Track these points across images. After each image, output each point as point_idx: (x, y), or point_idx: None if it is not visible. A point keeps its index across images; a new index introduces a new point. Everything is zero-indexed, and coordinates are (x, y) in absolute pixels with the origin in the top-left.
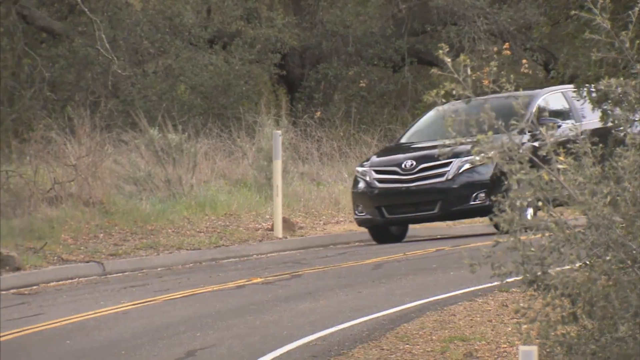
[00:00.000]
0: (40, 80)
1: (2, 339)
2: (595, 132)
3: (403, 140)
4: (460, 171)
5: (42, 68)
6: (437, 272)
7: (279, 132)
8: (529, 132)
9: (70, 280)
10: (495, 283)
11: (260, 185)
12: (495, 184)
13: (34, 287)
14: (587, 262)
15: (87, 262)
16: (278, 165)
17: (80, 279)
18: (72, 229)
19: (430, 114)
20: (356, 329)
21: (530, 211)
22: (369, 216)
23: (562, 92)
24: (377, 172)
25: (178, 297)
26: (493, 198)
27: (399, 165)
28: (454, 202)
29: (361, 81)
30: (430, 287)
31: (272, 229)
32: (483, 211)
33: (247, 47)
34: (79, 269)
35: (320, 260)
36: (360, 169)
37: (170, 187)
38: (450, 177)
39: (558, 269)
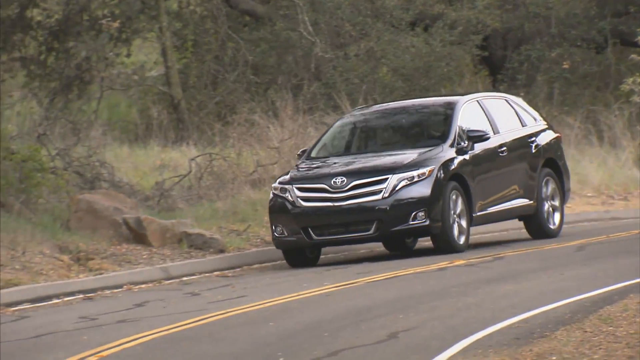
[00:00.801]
0: (243, 63)
1: (208, 320)
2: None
3: (314, 154)
4: (397, 188)
5: (245, 51)
6: None
7: None
8: (455, 145)
9: (272, 263)
10: None
11: None
12: (435, 201)
13: (237, 269)
14: None
15: None
16: None
17: (283, 261)
18: None
19: (337, 125)
20: (559, 311)
21: None
22: (292, 238)
23: (477, 100)
24: (301, 189)
25: (380, 280)
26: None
27: (327, 182)
28: (392, 222)
29: (564, 62)
30: (633, 269)
31: None
32: (423, 231)
33: (448, 29)
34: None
35: (522, 243)
36: (279, 185)
37: None
38: (386, 195)
39: None
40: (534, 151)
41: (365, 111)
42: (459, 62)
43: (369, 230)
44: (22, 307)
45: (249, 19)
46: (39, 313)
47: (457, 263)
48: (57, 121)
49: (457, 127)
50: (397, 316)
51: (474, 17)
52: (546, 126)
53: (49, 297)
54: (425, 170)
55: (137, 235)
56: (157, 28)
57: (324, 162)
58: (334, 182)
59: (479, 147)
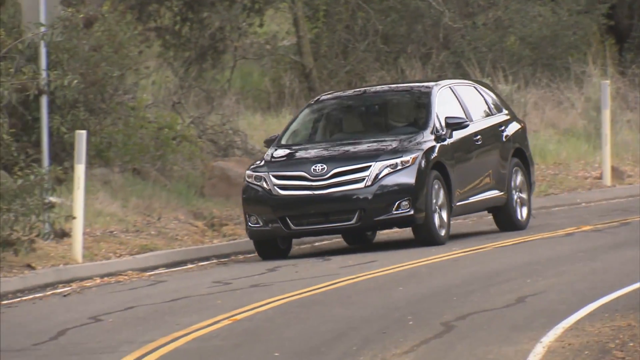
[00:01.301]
0: (373, 33)
1: (339, 284)
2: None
3: (284, 142)
4: (380, 176)
5: (375, 21)
6: None
7: (607, 82)
8: (434, 132)
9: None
10: None
11: (588, 135)
12: (419, 190)
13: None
14: None
15: None
16: (606, 115)
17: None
18: None
19: (306, 112)
20: None
21: None
22: (268, 228)
23: (450, 86)
24: (279, 177)
25: (508, 245)
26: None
27: (306, 169)
28: (375, 211)
29: None
30: None
31: (600, 178)
32: (406, 221)
33: None
34: None
35: None
36: (253, 173)
37: None
38: (369, 183)
39: None
40: (504, 140)
41: (335, 97)
42: (585, 31)
43: (350, 220)
44: (157, 272)
45: None
46: (174, 278)
47: (584, 229)
48: (191, 90)
49: (435, 114)
50: (524, 281)
51: None
52: (511, 115)
53: (183, 262)
54: (409, 157)
55: None
56: None
57: (298, 149)
58: (313, 169)
59: (456, 135)
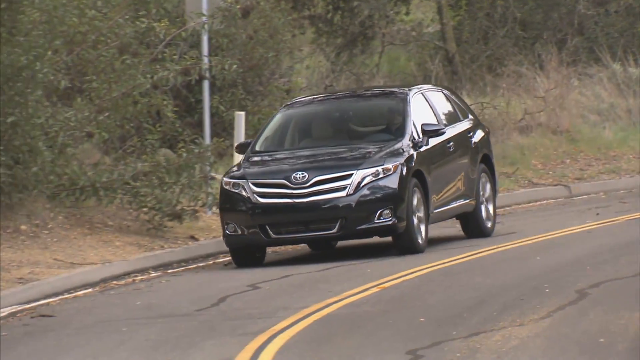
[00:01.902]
0: (512, 20)
1: (481, 255)
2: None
3: (258, 148)
4: (362, 185)
5: (514, 9)
6: None
7: None
8: (412, 140)
9: (539, 202)
10: None
11: None
12: (401, 199)
13: (507, 208)
14: None
15: (555, 185)
16: None
17: (549, 201)
18: (540, 155)
19: (278, 118)
20: None
21: None
22: (246, 235)
23: (422, 92)
24: (258, 184)
25: (636, 218)
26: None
27: (286, 177)
28: (356, 220)
29: None
30: None
31: None
32: (388, 230)
33: None
34: (547, 191)
35: None
36: (230, 180)
37: (631, 117)
38: (351, 191)
39: None
40: (473, 147)
41: (306, 102)
42: None
43: (331, 229)
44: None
45: None
46: (326, 250)
47: None
48: (342, 74)
49: (412, 121)
50: None
51: None
52: (476, 121)
53: None
54: (391, 165)
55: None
56: None
57: (275, 156)
58: (294, 177)
59: (432, 142)
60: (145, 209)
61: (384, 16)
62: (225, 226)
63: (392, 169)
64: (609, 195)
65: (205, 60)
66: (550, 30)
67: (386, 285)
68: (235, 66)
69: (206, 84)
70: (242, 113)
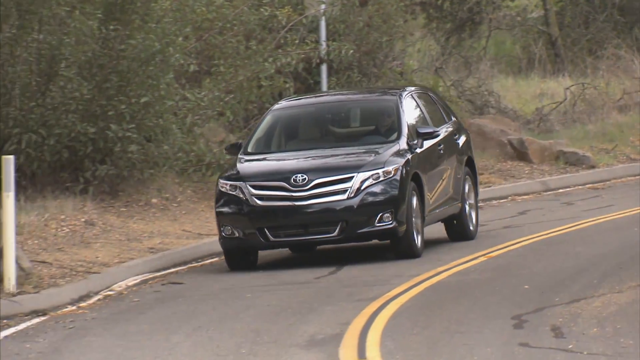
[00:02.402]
0: (611, 5)
1: (581, 226)
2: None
3: (251, 149)
4: (363, 188)
5: None
6: None
7: None
8: (408, 142)
9: (636, 177)
10: None
11: None
12: (401, 202)
13: (606, 182)
14: None
15: None
16: None
17: None
18: (638, 133)
19: (268, 120)
20: None
21: None
22: (243, 238)
23: (412, 94)
24: (256, 187)
25: None
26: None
27: (286, 179)
28: (357, 223)
29: None
30: None
31: None
32: (388, 234)
33: None
34: None
35: None
36: (227, 182)
37: None
38: (352, 194)
39: None
40: (459, 149)
41: (296, 104)
42: None
43: (332, 232)
44: None
45: None
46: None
47: None
48: (451, 57)
49: (406, 123)
50: None
51: None
52: (459, 123)
53: None
54: (391, 168)
55: (519, 153)
56: None
57: (270, 158)
58: (294, 179)
59: (425, 145)
60: None
61: (490, 3)
62: (222, 228)
63: (393, 172)
64: None
65: (323, 45)
66: None
67: (493, 254)
68: (351, 51)
69: (324, 67)
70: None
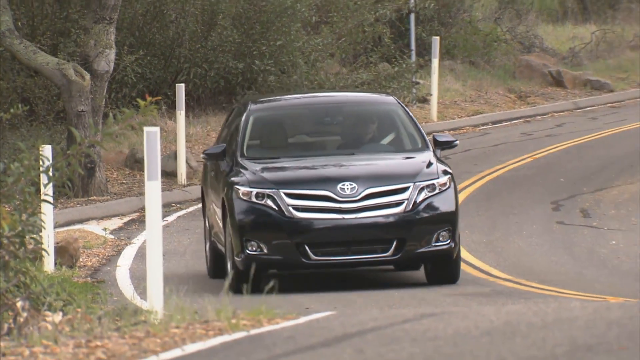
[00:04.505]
0: None
1: (603, 135)
2: None
3: (248, 154)
4: (420, 200)
5: None
6: None
7: None
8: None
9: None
10: None
11: None
12: (457, 219)
13: (622, 102)
14: None
15: None
16: None
17: None
18: None
19: (253, 121)
20: None
21: None
22: (277, 257)
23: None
24: (293, 195)
25: None
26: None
27: (330, 187)
28: (415, 242)
29: None
30: None
31: None
32: (444, 256)
33: None
34: None
35: None
36: (251, 190)
37: None
38: (409, 208)
39: None
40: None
41: (280, 105)
42: None
43: (386, 252)
44: (484, 127)
45: None
46: (495, 131)
47: None
48: (506, 10)
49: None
50: None
51: None
52: None
53: (501, 121)
54: (445, 179)
55: (557, 81)
56: None
57: (286, 163)
58: (341, 188)
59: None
60: None
61: None
62: (245, 244)
63: (448, 184)
64: None
65: (412, 0)
66: None
67: (537, 156)
68: (433, 4)
69: (412, 17)
70: (437, 38)
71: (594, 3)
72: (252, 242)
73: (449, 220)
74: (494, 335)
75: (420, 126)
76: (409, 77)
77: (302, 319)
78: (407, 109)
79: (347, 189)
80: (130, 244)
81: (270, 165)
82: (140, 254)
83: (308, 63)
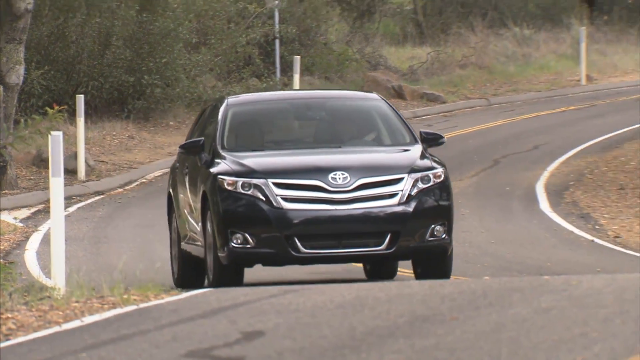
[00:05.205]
0: (455, 2)
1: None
2: None
3: (228, 146)
4: (414, 192)
5: None
6: None
7: (583, 28)
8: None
9: (471, 108)
10: None
11: (574, 57)
12: (452, 213)
13: (452, 111)
14: None
15: (479, 98)
16: (583, 47)
17: (475, 108)
18: (471, 82)
19: (232, 115)
20: (628, 133)
21: None
22: (264, 250)
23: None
24: (281, 185)
25: (529, 117)
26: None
27: (322, 177)
28: (409, 236)
29: None
30: None
31: (579, 80)
32: (439, 252)
33: None
34: (473, 102)
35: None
36: (236, 179)
37: (525, 58)
38: (404, 199)
39: None
40: None
41: (259, 98)
42: (572, 2)
43: (379, 245)
44: None
45: None
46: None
47: (571, 108)
48: (356, 33)
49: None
50: (538, 137)
51: None
52: None
53: None
54: (440, 171)
55: (398, 94)
56: None
57: (272, 154)
58: (332, 178)
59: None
60: None
61: (381, 0)
62: (230, 237)
63: (443, 176)
64: (512, 105)
65: (276, 26)
66: (478, 7)
67: None
68: (294, 30)
69: (277, 40)
70: (298, 57)
71: (429, 28)
72: (238, 235)
73: (445, 214)
74: (346, 308)
75: (407, 122)
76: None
77: (184, 295)
78: (391, 105)
79: (339, 179)
80: (37, 230)
81: (255, 155)
82: (46, 240)
83: (189, 78)
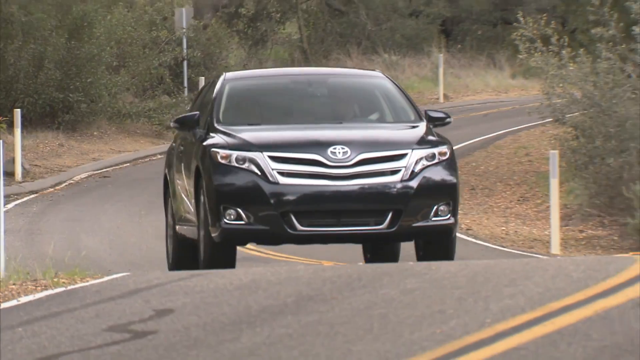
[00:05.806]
0: (334, 32)
1: None
2: None
3: (224, 120)
4: (418, 169)
5: (336, 25)
6: (517, 116)
7: (441, 54)
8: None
9: None
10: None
11: (434, 79)
12: (458, 192)
13: None
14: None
15: None
16: (440, 72)
17: None
18: None
19: (229, 91)
20: (477, 143)
21: None
22: (259, 227)
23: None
24: (277, 159)
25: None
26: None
27: (320, 151)
28: (413, 214)
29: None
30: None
31: (438, 98)
32: (443, 233)
33: None
34: None
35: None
36: (230, 152)
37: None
38: (407, 176)
39: (570, 115)
40: None
41: (259, 74)
42: (431, 33)
43: (380, 224)
44: None
45: None
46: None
47: None
48: (252, 59)
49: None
50: None
51: None
52: None
53: None
54: (445, 148)
55: None
56: None
57: (271, 128)
58: (332, 152)
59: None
60: (155, 124)
61: (272, 31)
62: (223, 213)
63: (448, 154)
64: None
65: (184, 51)
66: (353, 37)
67: None
68: (199, 54)
69: (185, 63)
70: (203, 77)
71: (313, 54)
72: (231, 211)
73: (450, 193)
74: (243, 290)
75: (412, 99)
76: (183, 107)
77: (106, 278)
78: (396, 83)
79: (339, 153)
80: None
81: (251, 129)
82: None
83: (110, 95)
